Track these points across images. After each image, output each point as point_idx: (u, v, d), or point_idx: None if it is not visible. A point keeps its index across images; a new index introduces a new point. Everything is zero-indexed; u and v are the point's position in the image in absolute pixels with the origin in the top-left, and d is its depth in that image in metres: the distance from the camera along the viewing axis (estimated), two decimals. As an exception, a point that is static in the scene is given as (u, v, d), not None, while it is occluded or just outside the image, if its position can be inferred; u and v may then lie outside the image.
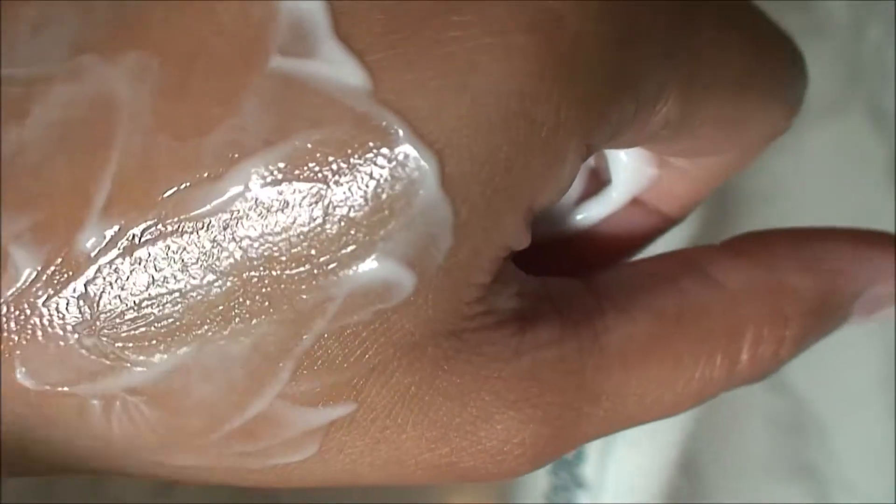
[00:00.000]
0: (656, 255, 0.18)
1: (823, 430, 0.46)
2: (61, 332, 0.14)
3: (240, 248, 0.14)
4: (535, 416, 0.16)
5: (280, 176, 0.14)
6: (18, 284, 0.14)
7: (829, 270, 0.17)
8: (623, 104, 0.15)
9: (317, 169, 0.14)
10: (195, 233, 0.14)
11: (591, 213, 0.20)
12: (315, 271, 0.14)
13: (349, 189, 0.14)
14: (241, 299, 0.14)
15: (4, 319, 0.14)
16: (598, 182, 0.20)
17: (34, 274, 0.14)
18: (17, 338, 0.14)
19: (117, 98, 0.14)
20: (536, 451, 0.16)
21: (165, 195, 0.14)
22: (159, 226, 0.14)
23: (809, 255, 0.17)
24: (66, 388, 0.15)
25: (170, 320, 0.14)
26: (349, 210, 0.14)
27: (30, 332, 0.14)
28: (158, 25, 0.14)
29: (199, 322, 0.15)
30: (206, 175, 0.14)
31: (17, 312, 0.14)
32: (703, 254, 0.18)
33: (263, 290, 0.14)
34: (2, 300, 0.14)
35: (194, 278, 0.14)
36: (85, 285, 0.14)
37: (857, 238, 0.18)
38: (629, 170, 0.19)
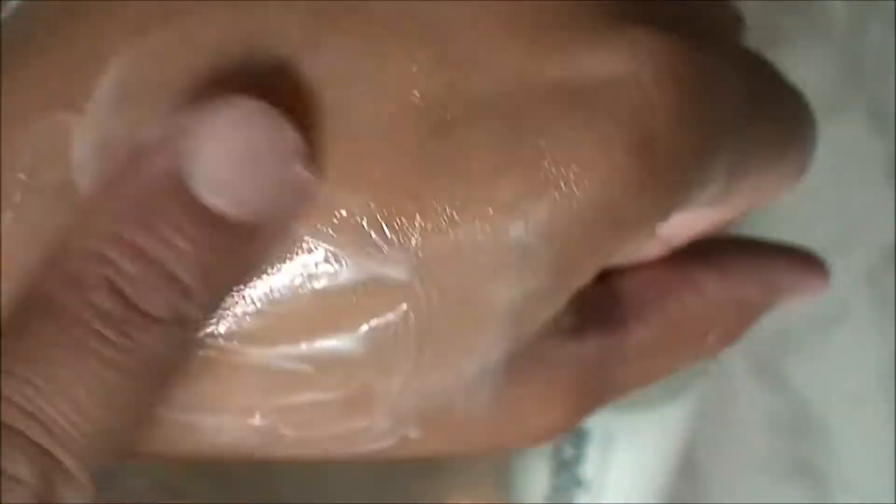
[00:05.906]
0: (663, 265, 0.22)
1: (823, 430, 0.46)
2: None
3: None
4: (574, 406, 0.20)
5: None
6: None
7: (774, 287, 0.23)
8: (691, 194, 0.18)
9: None
10: None
11: None
12: None
13: None
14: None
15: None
16: None
17: None
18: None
19: None
20: (562, 431, 0.20)
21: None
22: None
23: (764, 276, 0.23)
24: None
25: None
26: None
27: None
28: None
29: None
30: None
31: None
32: (698, 270, 0.22)
33: None
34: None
35: None
36: None
37: (792, 259, 0.24)
38: None
